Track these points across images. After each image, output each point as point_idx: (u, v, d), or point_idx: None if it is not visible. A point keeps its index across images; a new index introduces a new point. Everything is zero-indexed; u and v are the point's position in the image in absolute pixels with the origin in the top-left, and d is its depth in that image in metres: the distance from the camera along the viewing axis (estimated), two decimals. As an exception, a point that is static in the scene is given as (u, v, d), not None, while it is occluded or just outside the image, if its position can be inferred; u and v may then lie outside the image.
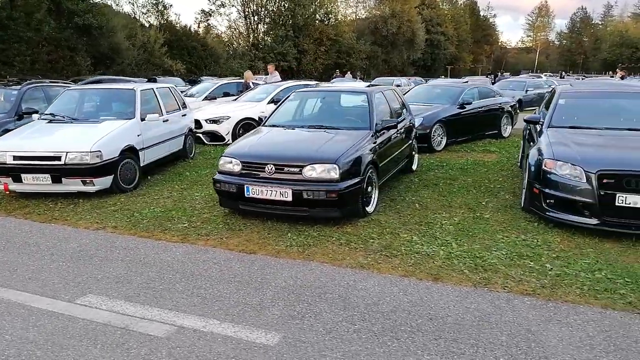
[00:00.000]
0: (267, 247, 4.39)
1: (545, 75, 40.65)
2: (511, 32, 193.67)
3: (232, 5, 46.46)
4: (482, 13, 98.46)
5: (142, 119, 6.75)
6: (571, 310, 3.25)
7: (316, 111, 6.36)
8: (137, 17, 37.11)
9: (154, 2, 38.33)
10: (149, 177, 7.09)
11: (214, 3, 45.61)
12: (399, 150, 6.58)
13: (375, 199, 5.52)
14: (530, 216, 5.17)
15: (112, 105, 7.13)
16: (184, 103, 8.56)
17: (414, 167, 7.65)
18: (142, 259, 4.13)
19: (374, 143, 5.58)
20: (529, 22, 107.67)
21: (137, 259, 4.12)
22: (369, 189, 5.32)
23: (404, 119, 7.05)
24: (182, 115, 8.27)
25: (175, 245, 4.46)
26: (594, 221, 4.52)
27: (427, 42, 68.23)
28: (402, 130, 6.81)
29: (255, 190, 4.88)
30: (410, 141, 7.25)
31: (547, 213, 4.83)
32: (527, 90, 19.57)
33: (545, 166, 4.87)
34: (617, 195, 4.37)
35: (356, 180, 4.95)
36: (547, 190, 4.82)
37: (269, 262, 4.07)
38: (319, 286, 3.60)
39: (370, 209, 5.36)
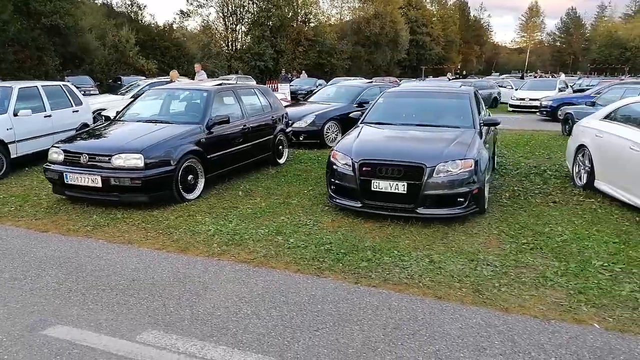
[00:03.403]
0: (63, 227, 4.97)
1: (526, 75, 41.48)
2: (512, 33, 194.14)
3: (210, 6, 47.08)
4: (473, 13, 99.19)
5: (15, 114, 7.34)
6: (261, 274, 3.82)
7: (161, 107, 6.93)
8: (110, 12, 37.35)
9: (129, 3, 38.87)
10: (26, 168, 7.68)
11: (191, 4, 46.19)
12: (250, 144, 7.15)
13: (201, 187, 6.10)
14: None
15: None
16: (78, 100, 9.12)
17: (282, 160, 8.24)
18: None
19: (205, 136, 6.17)
20: (522, 22, 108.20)
21: None
22: (190, 177, 5.90)
23: (263, 116, 7.67)
24: (74, 112, 8.85)
25: (-18, 225, 5.06)
26: (359, 204, 5.11)
27: (413, 43, 68.84)
28: (258, 126, 7.42)
29: (72, 177, 5.47)
30: (271, 137, 7.84)
31: (333, 199, 5.42)
32: (472, 91, 20.38)
33: (331, 157, 5.46)
34: (372, 181, 4.97)
35: (167, 169, 5.53)
36: (331, 179, 5.41)
37: (50, 239, 4.65)
38: (69, 257, 4.17)
39: (192, 195, 5.94)
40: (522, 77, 32.23)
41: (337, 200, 5.35)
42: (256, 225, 4.97)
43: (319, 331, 2.98)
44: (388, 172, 4.91)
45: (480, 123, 5.85)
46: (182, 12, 47.03)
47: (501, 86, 25.38)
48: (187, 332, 2.97)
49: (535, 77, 30.64)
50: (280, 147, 8.23)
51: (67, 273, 3.85)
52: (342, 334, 2.96)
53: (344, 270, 3.88)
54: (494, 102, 21.55)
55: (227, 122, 6.46)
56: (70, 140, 5.94)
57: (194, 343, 2.84)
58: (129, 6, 39.04)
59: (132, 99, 7.40)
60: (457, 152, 4.98)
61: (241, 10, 47.70)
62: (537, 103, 18.45)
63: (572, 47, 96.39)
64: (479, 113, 6.35)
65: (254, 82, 30.26)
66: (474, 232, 4.73)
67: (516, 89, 21.49)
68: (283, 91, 19.15)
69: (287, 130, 8.56)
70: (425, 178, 4.78)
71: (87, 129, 6.52)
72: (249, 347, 2.81)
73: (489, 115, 7.92)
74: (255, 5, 47.36)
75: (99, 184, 5.34)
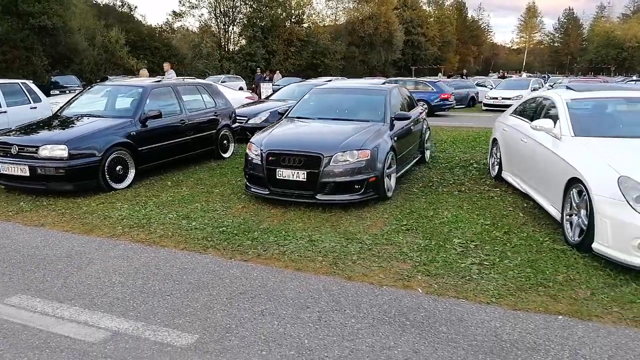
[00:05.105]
0: (-12, 212, 5.35)
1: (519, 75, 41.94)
2: (512, 34, 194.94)
3: (203, 7, 47.43)
4: (471, 14, 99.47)
5: (-33, 110, 7.75)
6: (148, 251, 4.17)
7: (99, 102, 7.30)
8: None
9: (120, 3, 39.35)
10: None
11: (183, 4, 46.55)
12: (189, 138, 7.51)
13: (131, 178, 6.45)
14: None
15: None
16: (37, 97, 9.52)
17: (227, 154, 8.61)
18: None
19: (137, 129, 6.53)
20: (521, 23, 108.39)
21: None
22: (119, 168, 6.25)
23: (205, 113, 8.05)
24: (32, 108, 9.24)
25: None
26: (266, 191, 5.47)
27: (408, 43, 69.17)
28: (198, 121, 7.79)
29: (4, 168, 5.83)
30: (214, 132, 8.21)
31: (248, 188, 5.77)
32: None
33: (247, 149, 5.82)
34: (277, 170, 5.32)
35: (92, 159, 5.88)
36: (246, 169, 5.77)
37: (-28, 221, 5.03)
38: (-20, 236, 4.55)
39: (122, 185, 6.29)
40: (502, 77, 32.61)
41: (252, 189, 5.70)
42: (168, 211, 5.33)
43: (170, 296, 3.34)
44: (290, 162, 5.26)
45: (392, 118, 6.19)
46: (174, 12, 47.45)
47: (483, 85, 25.78)
48: (52, 297, 3.33)
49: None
50: (225, 141, 8.59)
51: (-29, 250, 4.21)
52: (191, 298, 3.31)
53: (226, 248, 4.23)
54: (471, 102, 21.89)
55: (160, 116, 6.81)
56: (6, 133, 6.31)
57: (52, 305, 3.20)
58: (119, 7, 39.50)
59: (76, 94, 7.76)
60: (355, 142, 5.32)
61: (233, 10, 48.13)
62: (509, 102, 18.80)
63: (570, 48, 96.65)
64: (399, 108, 6.70)
65: (243, 82, 30.83)
66: (366, 216, 5.07)
67: (491, 88, 21.82)
68: (265, 90, 19.69)
69: (234, 126, 8.92)
70: (323, 167, 5.13)
71: (25, 123, 6.88)
72: (100, 308, 3.16)
73: (424, 111, 8.29)
74: (247, 6, 47.77)
75: (27, 173, 5.71)
